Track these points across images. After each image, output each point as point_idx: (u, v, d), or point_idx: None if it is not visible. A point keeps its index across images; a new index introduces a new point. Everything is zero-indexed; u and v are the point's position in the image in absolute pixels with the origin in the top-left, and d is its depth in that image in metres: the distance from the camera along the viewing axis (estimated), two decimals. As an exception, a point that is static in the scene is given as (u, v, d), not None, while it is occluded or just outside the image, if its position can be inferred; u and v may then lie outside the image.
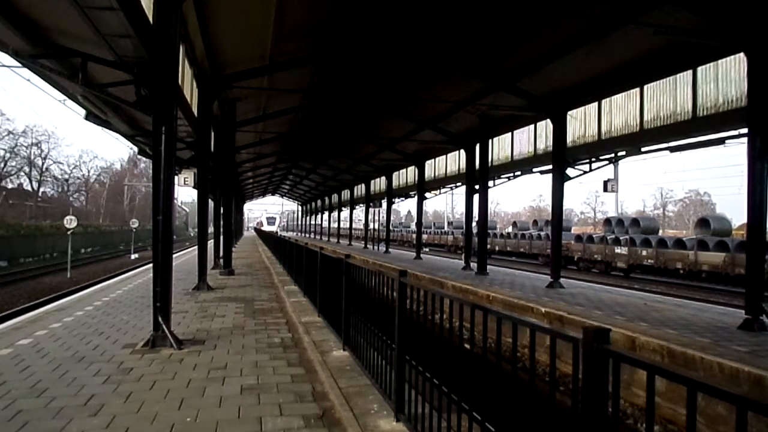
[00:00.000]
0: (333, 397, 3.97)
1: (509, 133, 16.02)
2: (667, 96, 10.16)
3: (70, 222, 21.55)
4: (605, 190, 14.92)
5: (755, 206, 7.59)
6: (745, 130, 8.22)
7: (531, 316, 8.80)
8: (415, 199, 24.07)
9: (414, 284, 3.34)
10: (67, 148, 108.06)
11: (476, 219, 16.72)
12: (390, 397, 3.57)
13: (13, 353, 5.12)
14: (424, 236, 37.15)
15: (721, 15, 7.85)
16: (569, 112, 12.72)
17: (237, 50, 11.17)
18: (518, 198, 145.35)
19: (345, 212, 42.72)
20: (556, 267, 12.62)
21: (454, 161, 20.52)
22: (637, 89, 10.82)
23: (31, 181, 49.76)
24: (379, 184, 31.16)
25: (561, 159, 12.62)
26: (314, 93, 15.21)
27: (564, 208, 13.48)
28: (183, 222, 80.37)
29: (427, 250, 34.55)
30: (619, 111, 11.45)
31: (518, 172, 16.22)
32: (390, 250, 28.72)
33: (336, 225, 43.51)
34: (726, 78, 8.91)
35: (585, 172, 12.84)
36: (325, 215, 49.13)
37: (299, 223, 71.60)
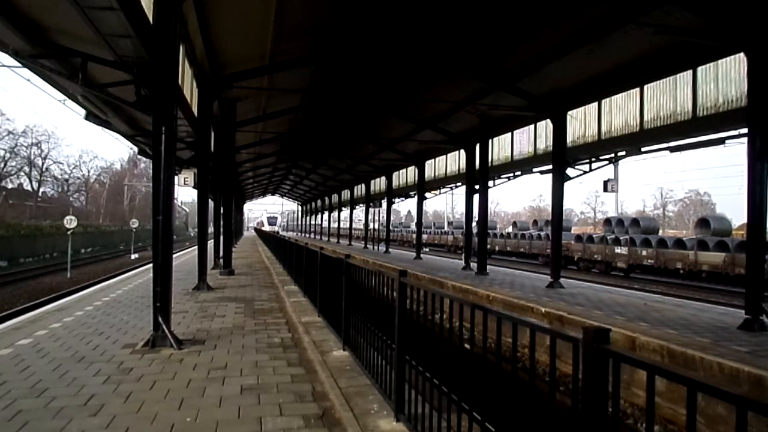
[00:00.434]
0: (333, 397, 3.97)
1: (509, 133, 16.02)
2: (667, 96, 10.16)
3: (70, 222, 21.55)
4: (605, 190, 14.92)
5: (755, 206, 7.59)
6: (745, 130, 8.22)
7: (531, 316, 8.80)
8: (415, 199, 24.07)
9: (414, 284, 3.34)
10: (67, 148, 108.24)
11: (476, 219, 16.72)
12: (390, 397, 3.57)
13: (13, 353, 5.12)
14: (424, 236, 37.15)
15: (721, 15, 7.85)
16: (569, 112, 12.72)
17: (237, 50, 11.17)
18: (518, 198, 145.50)
19: (345, 212, 42.73)
20: (556, 267, 12.62)
21: (454, 161, 20.51)
22: (637, 89, 10.82)
23: (31, 181, 49.81)
24: (379, 184, 31.16)
25: (561, 159, 12.62)
26: (314, 93, 15.21)
27: (564, 208, 13.49)
28: (183, 222, 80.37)
29: (427, 250, 34.55)
30: (619, 111, 11.45)
31: (518, 172, 16.22)
32: (390, 250, 28.73)
33: (336, 225, 43.53)
34: (726, 78, 8.91)
35: (585, 172, 12.84)
36: (325, 215, 49.15)
37: (299, 223, 71.56)
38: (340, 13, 9.89)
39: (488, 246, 21.83)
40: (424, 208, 26.10)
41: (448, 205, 66.98)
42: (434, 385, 2.98)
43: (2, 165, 45.54)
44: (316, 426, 3.45)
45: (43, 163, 50.74)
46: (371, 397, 3.96)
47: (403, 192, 26.86)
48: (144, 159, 48.36)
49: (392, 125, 19.24)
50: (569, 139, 12.80)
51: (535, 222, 36.71)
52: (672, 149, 10.81)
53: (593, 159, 12.57)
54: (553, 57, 10.68)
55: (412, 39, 11.15)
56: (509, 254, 31.06)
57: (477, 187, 16.13)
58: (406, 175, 26.18)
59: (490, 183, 16.37)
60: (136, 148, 15.76)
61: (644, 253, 20.44)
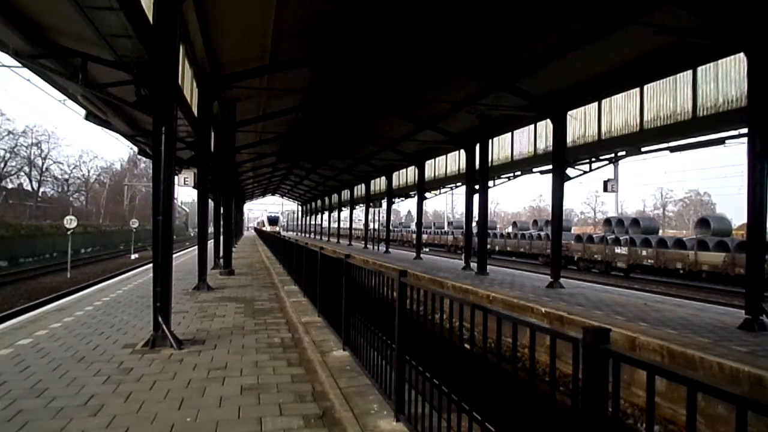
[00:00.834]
0: (333, 397, 3.97)
1: (509, 133, 16.02)
2: (667, 96, 10.15)
3: (70, 222, 21.55)
4: (605, 190, 14.91)
5: (755, 206, 7.59)
6: (745, 130, 8.22)
7: (531, 316, 8.80)
8: (415, 199, 24.08)
9: (414, 284, 3.34)
10: (67, 148, 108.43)
11: (476, 219, 16.72)
12: (390, 397, 3.57)
13: (13, 353, 5.12)
14: (424, 236, 37.15)
15: (721, 15, 7.84)
16: (569, 112, 12.72)
17: (237, 50, 11.17)
18: (518, 198, 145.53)
19: (345, 212, 42.74)
20: (556, 267, 12.62)
21: (454, 161, 20.51)
22: (637, 89, 10.82)
23: (31, 181, 49.83)
24: (379, 184, 31.16)
25: (561, 159, 12.62)
26: (314, 93, 15.20)
27: (564, 208, 13.48)
28: (183, 222, 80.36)
29: (427, 250, 34.55)
30: (619, 111, 11.45)
31: (518, 172, 16.21)
32: (390, 250, 28.73)
33: (336, 225, 43.53)
34: (726, 78, 8.91)
35: (585, 172, 12.84)
36: (325, 215, 49.15)
37: (299, 223, 71.47)
38: (340, 13, 9.89)
39: (488, 246, 21.82)
40: (424, 208, 26.12)
41: (448, 205, 67.07)
42: (434, 385, 2.98)
43: (2, 165, 45.56)
44: (316, 426, 3.45)
45: (43, 163, 50.84)
46: (371, 397, 3.96)
47: (403, 192, 26.86)
48: (144, 159, 48.40)
49: (392, 125, 19.24)
50: (569, 139, 12.80)
51: (535, 222, 36.72)
52: (672, 149, 10.81)
53: (593, 159, 12.57)
54: (554, 57, 10.67)
55: (413, 39, 11.14)
56: (509, 254, 31.06)
57: (477, 187, 16.13)
58: (406, 175, 26.18)
59: (490, 183, 16.37)
60: (136, 148, 15.78)
61: (644, 253, 20.44)
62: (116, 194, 63.84)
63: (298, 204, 70.12)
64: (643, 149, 11.29)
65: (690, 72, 9.56)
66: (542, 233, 30.29)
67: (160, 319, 5.54)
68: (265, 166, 32.35)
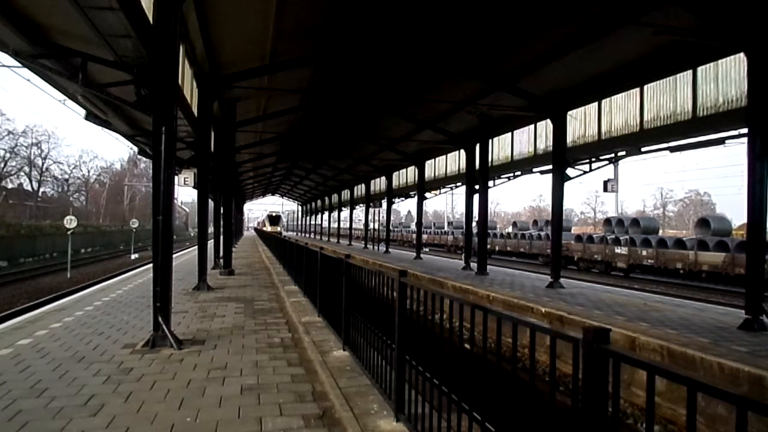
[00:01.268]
0: (333, 397, 3.97)
1: (509, 133, 16.02)
2: (667, 96, 10.16)
3: (70, 222, 21.55)
4: (605, 190, 14.93)
5: (755, 206, 7.59)
6: (745, 130, 8.22)
7: (531, 316, 8.80)
8: (415, 199, 24.08)
9: (414, 284, 3.34)
10: (67, 148, 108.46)
11: (476, 219, 16.72)
12: (390, 397, 3.57)
13: (13, 353, 5.12)
14: (424, 236, 37.15)
15: (721, 15, 7.84)
16: (569, 112, 12.72)
17: (237, 50, 11.17)
18: (518, 198, 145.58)
19: (345, 212, 42.74)
20: (556, 267, 12.62)
21: (454, 161, 20.52)
22: (637, 89, 10.82)
23: (31, 181, 49.85)
24: (379, 184, 31.16)
25: (561, 159, 12.62)
26: (314, 93, 15.21)
27: (564, 208, 13.49)
28: (183, 222, 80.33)
29: (427, 250, 34.56)
30: (619, 111, 11.45)
31: (518, 172, 16.21)
32: (390, 250, 28.73)
33: (336, 225, 43.52)
34: (726, 78, 8.91)
35: (585, 172, 12.84)
36: (325, 215, 49.15)
37: (299, 223, 71.45)
38: (341, 13, 9.89)
39: (488, 246, 21.83)
40: (424, 208, 26.11)
41: (448, 205, 67.03)
42: (434, 385, 2.98)
43: (2, 165, 45.56)
44: (316, 426, 3.45)
45: (43, 163, 50.85)
46: (371, 397, 3.96)
47: (403, 192, 26.86)
48: (144, 159, 48.36)
49: (392, 125, 19.24)
50: (569, 139, 12.80)
51: (535, 222, 36.72)
52: (672, 149, 10.81)
53: (593, 159, 12.57)
54: (553, 57, 10.68)
55: (413, 39, 11.14)
56: (509, 254, 31.06)
57: (477, 187, 16.13)
58: (406, 175, 26.18)
59: (490, 183, 16.37)
60: (136, 148, 15.76)
61: (644, 253, 20.44)
62: (116, 194, 63.87)
63: (298, 204, 70.13)
64: (643, 149, 11.29)
65: (690, 72, 9.56)
66: (542, 233, 30.30)
67: (160, 319, 5.54)
68: (265, 166, 32.35)
